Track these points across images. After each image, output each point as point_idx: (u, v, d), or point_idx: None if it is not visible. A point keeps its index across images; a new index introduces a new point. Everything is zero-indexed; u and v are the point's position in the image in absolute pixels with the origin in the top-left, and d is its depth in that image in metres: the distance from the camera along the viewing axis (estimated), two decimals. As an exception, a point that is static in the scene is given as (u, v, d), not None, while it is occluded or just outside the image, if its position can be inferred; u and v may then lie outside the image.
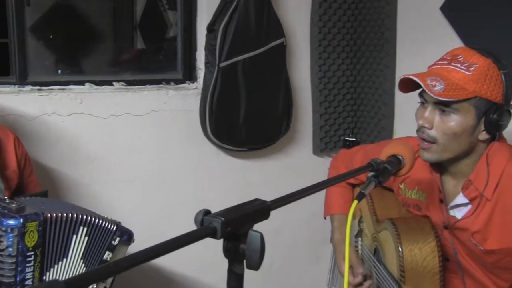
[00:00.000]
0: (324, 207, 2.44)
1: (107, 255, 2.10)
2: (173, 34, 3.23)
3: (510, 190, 1.79)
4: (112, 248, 2.11)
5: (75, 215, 2.01)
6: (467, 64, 1.78)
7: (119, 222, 2.15)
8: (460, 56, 1.81)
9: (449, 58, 1.83)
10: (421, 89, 1.82)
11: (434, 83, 1.75)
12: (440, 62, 1.85)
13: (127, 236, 2.13)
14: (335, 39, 3.33)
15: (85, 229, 2.04)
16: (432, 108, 1.81)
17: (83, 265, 2.06)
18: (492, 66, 1.78)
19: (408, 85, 1.83)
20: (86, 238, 2.05)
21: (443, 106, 1.78)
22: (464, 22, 2.81)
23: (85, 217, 2.04)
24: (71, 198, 2.83)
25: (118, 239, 2.11)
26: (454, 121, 1.78)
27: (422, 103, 1.86)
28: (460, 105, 1.77)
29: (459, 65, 1.79)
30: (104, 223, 2.08)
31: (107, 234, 2.10)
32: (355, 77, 3.43)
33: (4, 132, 2.27)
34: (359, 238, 2.36)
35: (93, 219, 2.06)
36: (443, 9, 2.88)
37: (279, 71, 3.15)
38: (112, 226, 2.10)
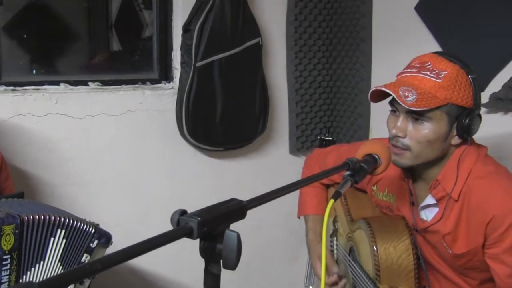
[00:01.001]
0: (298, 207, 2.46)
1: (85, 258, 2.09)
2: (149, 34, 3.23)
3: (474, 190, 1.81)
4: (90, 251, 2.09)
5: (52, 218, 2.00)
6: (436, 71, 1.79)
7: (97, 224, 2.14)
8: (429, 64, 1.82)
9: (417, 65, 1.84)
10: (391, 97, 1.82)
11: (406, 94, 1.76)
12: (409, 70, 1.85)
13: (105, 239, 2.12)
14: (311, 39, 3.34)
15: (63, 231, 2.03)
16: (404, 117, 1.82)
17: (61, 268, 2.04)
18: (461, 72, 1.80)
19: (379, 95, 1.84)
20: (64, 240, 2.03)
21: (416, 114, 1.79)
22: (438, 22, 2.84)
23: (63, 219, 2.02)
24: (46, 199, 2.82)
25: (96, 241, 2.10)
26: (427, 129, 1.80)
27: (394, 111, 1.87)
28: (432, 113, 1.78)
29: (428, 73, 1.80)
30: (82, 225, 2.07)
31: (85, 237, 2.08)
32: (331, 76, 3.45)
33: None
34: (334, 238, 2.37)
35: (71, 221, 2.04)
36: (418, 8, 2.91)
37: (256, 70, 3.16)
38: (91, 229, 2.09)
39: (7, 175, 2.36)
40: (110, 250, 2.12)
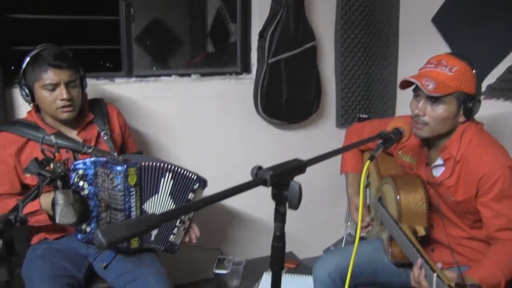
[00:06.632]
0: (341, 166, 2.45)
1: (191, 196, 2.15)
2: (234, 40, 3.24)
3: (472, 155, 1.83)
4: (193, 191, 2.15)
5: (161, 165, 2.06)
6: (450, 67, 1.80)
7: (197, 173, 2.18)
8: (444, 61, 1.82)
9: (435, 62, 1.84)
10: (414, 86, 1.85)
11: (427, 83, 1.77)
12: (428, 66, 1.86)
13: (203, 183, 2.17)
14: (353, 42, 3.28)
15: (170, 174, 2.08)
16: (424, 101, 1.83)
17: (171, 200, 2.11)
18: (468, 68, 1.80)
19: (406, 84, 1.86)
20: (172, 181, 2.09)
21: (434, 99, 1.80)
22: (449, 30, 2.76)
23: (169, 166, 2.08)
24: (162, 156, 2.89)
25: (197, 184, 2.15)
26: (442, 109, 1.81)
27: (416, 96, 1.88)
28: (446, 98, 1.80)
29: (443, 68, 1.81)
30: (186, 172, 2.12)
31: (189, 181, 2.13)
32: (367, 71, 3.38)
33: (110, 108, 2.34)
34: (367, 189, 2.36)
35: (176, 168, 2.10)
36: (434, 20, 2.84)
37: (312, 65, 3.13)
38: (193, 175, 2.14)
39: (129, 133, 2.42)
40: (207, 193, 2.16)
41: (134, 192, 1.97)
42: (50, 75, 2.00)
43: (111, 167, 1.94)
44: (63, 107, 2.04)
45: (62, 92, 2.01)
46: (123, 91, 2.77)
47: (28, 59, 2.03)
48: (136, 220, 0.90)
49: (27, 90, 2.05)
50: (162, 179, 2.07)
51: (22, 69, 2.04)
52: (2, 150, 2.06)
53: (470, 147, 1.84)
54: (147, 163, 2.02)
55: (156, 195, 2.07)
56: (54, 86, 2.01)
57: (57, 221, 1.74)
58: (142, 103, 2.82)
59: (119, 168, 1.93)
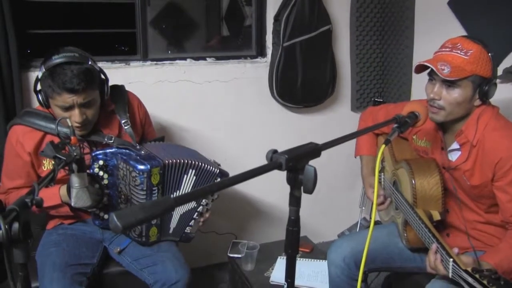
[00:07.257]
0: (355, 149, 2.42)
1: None
2: (249, 23, 3.21)
3: (488, 138, 1.80)
4: None
5: (186, 161, 2.03)
6: (465, 50, 1.77)
7: (219, 165, 2.15)
8: (459, 44, 1.79)
9: (450, 46, 1.81)
10: (429, 70, 1.81)
11: (442, 67, 1.74)
12: (443, 50, 1.82)
13: (225, 177, 2.13)
14: (368, 26, 3.23)
15: (194, 171, 2.07)
16: (439, 84, 1.81)
17: None
18: (483, 51, 1.77)
19: (421, 68, 1.83)
20: (194, 177, 2.07)
21: (449, 82, 1.78)
22: (464, 13, 2.71)
23: (194, 162, 2.06)
24: (177, 140, 2.89)
25: (219, 179, 2.12)
26: (457, 93, 1.78)
27: (431, 80, 1.85)
28: (461, 81, 1.76)
29: (459, 51, 1.77)
30: (208, 167, 2.09)
31: (211, 175, 2.11)
32: (382, 54, 3.33)
33: (131, 97, 2.26)
34: (382, 173, 2.33)
35: (200, 163, 2.07)
36: (449, 3, 2.78)
37: (327, 49, 3.09)
38: (215, 170, 2.11)
39: (149, 123, 2.38)
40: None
41: (156, 191, 1.96)
42: (63, 98, 1.83)
43: (134, 165, 1.91)
44: (77, 127, 1.92)
45: (75, 114, 1.87)
46: (138, 74, 2.76)
47: (43, 70, 1.85)
48: (151, 204, 0.88)
49: (43, 97, 1.91)
50: (185, 176, 2.05)
51: (37, 79, 1.90)
52: (19, 146, 1.99)
53: (486, 131, 1.81)
54: (170, 161, 1.99)
55: (178, 192, 2.06)
56: (67, 109, 1.87)
57: (72, 204, 1.73)
58: (157, 86, 2.82)
59: (142, 167, 1.90)
